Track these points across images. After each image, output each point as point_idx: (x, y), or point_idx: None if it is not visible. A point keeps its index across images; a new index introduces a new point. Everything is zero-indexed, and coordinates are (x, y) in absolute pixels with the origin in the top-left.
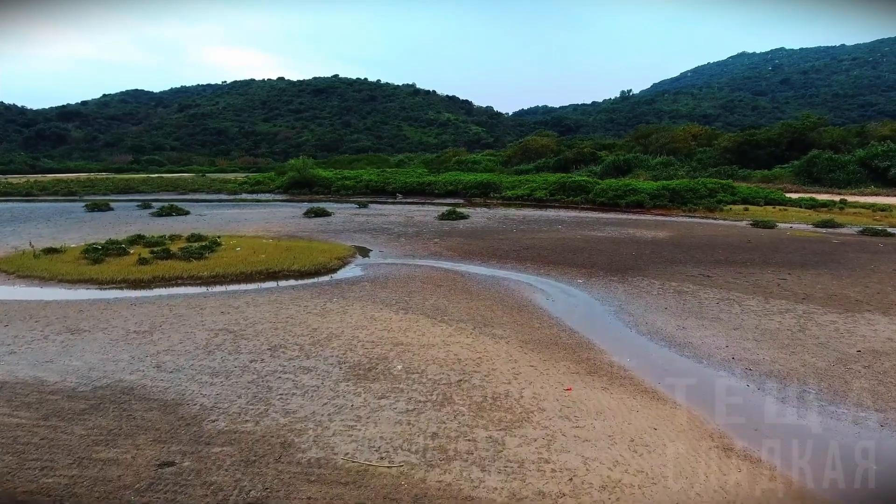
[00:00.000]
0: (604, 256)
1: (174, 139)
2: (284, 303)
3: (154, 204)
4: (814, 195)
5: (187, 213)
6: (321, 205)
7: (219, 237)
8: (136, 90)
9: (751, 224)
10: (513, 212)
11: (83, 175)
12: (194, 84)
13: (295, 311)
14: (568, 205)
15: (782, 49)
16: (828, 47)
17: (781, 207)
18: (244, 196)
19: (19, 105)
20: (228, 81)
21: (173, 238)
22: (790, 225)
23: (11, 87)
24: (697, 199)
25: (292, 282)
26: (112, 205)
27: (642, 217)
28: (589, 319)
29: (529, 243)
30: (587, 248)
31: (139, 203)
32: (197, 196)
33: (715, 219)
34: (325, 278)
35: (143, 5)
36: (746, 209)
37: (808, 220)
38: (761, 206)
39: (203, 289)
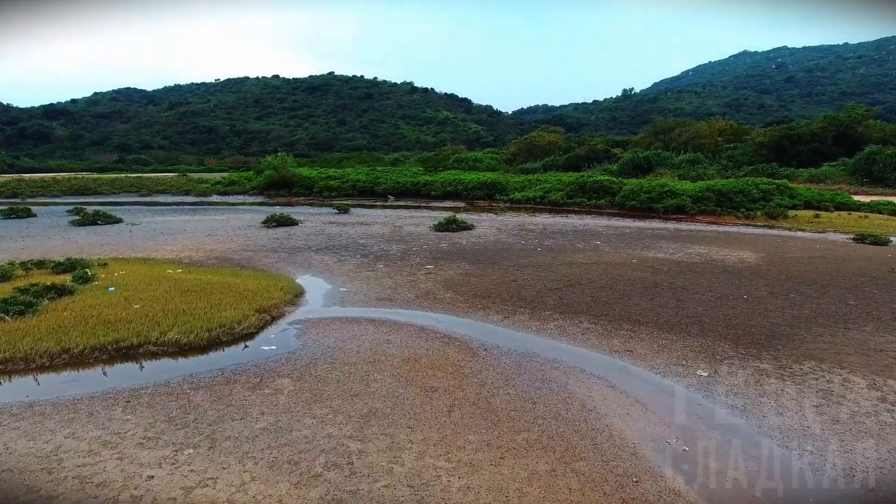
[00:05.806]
0: (706, 305)
1: (163, 137)
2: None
3: (93, 208)
4: (888, 198)
5: (119, 220)
6: (293, 209)
7: (105, 264)
8: (129, 88)
9: (852, 239)
10: (527, 219)
11: (49, 175)
12: (188, 82)
13: None
14: (591, 209)
15: (785, 48)
16: (831, 46)
17: (859, 214)
18: (213, 198)
19: (4, 103)
20: (222, 79)
21: (36, 265)
22: None
23: (11, 88)
24: (750, 203)
25: (162, 365)
26: (44, 209)
27: (695, 227)
28: None
29: (569, 274)
30: (664, 284)
31: (72, 208)
32: (159, 198)
33: (788, 229)
34: (224, 358)
35: (144, 5)
36: (817, 216)
37: None
38: (831, 211)
39: None
